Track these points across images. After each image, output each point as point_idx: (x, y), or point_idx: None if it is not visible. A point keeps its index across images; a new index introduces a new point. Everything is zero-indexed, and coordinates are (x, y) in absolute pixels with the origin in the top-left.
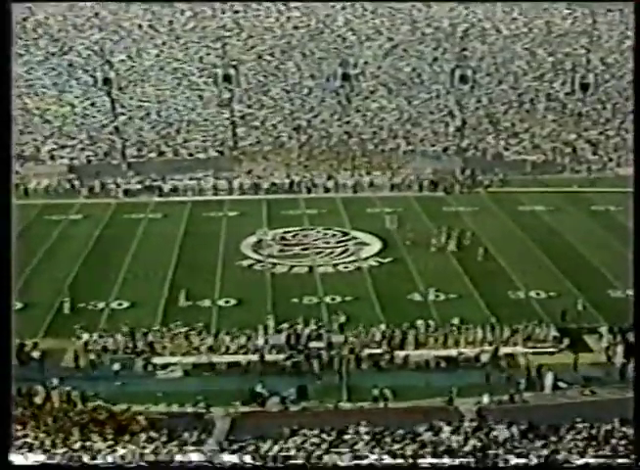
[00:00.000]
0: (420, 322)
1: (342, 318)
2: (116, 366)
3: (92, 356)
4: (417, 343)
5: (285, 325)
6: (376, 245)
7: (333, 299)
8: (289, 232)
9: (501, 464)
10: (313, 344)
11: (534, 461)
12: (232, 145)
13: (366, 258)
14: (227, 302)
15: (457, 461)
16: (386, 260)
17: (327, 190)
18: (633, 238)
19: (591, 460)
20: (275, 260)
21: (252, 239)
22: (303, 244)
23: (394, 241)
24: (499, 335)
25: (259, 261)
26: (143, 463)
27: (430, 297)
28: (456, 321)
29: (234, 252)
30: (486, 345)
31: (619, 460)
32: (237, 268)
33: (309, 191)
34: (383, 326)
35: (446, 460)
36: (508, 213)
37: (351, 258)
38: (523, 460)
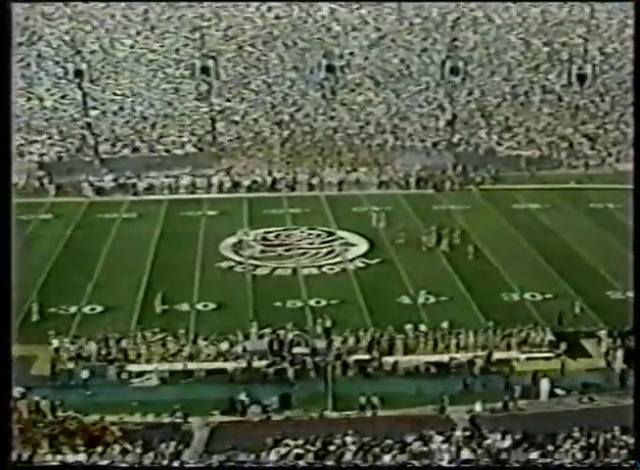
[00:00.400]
0: (409, 326)
1: (328, 323)
2: (85, 374)
3: (63, 364)
4: (406, 348)
5: (267, 330)
6: (363, 245)
7: (318, 302)
8: (271, 232)
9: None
10: (297, 350)
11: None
12: (211, 141)
13: (352, 260)
14: (206, 306)
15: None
16: (373, 262)
17: (311, 188)
18: (633, 237)
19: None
20: (256, 262)
21: (233, 239)
22: (286, 244)
23: (382, 241)
24: (492, 339)
25: (240, 263)
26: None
27: (419, 299)
28: (447, 325)
29: (213, 253)
30: (479, 350)
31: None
32: (216, 270)
33: (292, 189)
34: (370, 331)
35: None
36: (501, 212)
37: (337, 260)
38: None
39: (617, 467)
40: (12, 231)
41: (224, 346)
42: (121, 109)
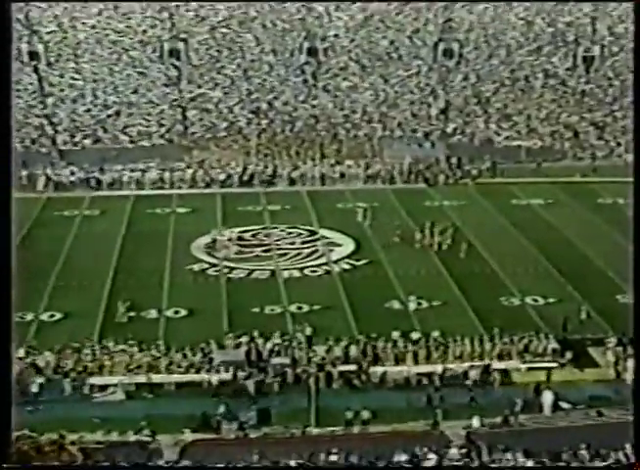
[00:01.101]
0: (399, 334)
1: (310, 330)
2: (35, 387)
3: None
4: (396, 358)
5: (244, 339)
6: (349, 245)
7: (299, 308)
8: (247, 231)
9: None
10: (277, 360)
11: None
12: (181, 131)
13: (337, 261)
14: (176, 312)
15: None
16: (360, 263)
17: (292, 182)
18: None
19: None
20: (232, 264)
21: (205, 239)
22: (264, 245)
23: (370, 241)
24: (491, 348)
25: (214, 265)
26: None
27: (411, 305)
28: (440, 333)
29: (184, 254)
30: (476, 359)
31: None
32: (187, 273)
33: (271, 184)
34: (357, 339)
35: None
36: (500, 208)
37: (320, 261)
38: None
39: (618, 467)
40: (12, 231)
41: (196, 356)
42: (82, 95)
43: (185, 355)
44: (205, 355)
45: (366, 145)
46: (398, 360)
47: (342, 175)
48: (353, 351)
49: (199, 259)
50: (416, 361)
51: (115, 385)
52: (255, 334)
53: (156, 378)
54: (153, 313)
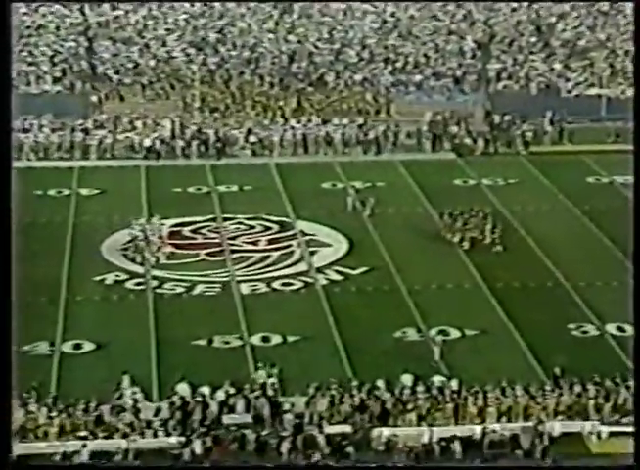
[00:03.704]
0: (412, 378)
1: (281, 373)
2: None
3: None
4: (405, 412)
5: (182, 386)
6: (340, 245)
7: (265, 339)
8: (187, 224)
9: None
10: (230, 418)
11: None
12: (87, 73)
13: (323, 268)
14: (78, 347)
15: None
16: (356, 272)
17: (254, 152)
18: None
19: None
20: (163, 273)
21: (123, 236)
22: (212, 244)
23: (370, 238)
24: (553, 400)
25: (135, 275)
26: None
27: (432, 333)
28: (476, 376)
29: (90, 258)
30: (531, 418)
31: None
32: (96, 287)
33: (222, 152)
34: (352, 386)
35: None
36: (568, 189)
37: (298, 269)
38: None
39: (618, 467)
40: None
41: (103, 411)
42: None
43: (87, 409)
44: (119, 412)
45: (366, 95)
46: (413, 418)
47: (329, 140)
48: (346, 404)
49: (112, 266)
50: (438, 419)
51: None
52: (200, 379)
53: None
54: (42, 348)
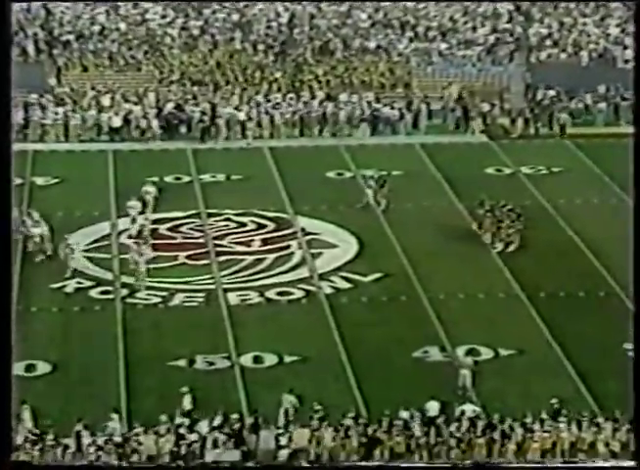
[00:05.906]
0: (439, 406)
1: (279, 401)
2: None
3: None
4: (434, 450)
5: (164, 417)
6: (348, 246)
7: (257, 360)
8: (163, 221)
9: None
10: (216, 455)
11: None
12: (42, 38)
13: (328, 274)
14: (30, 368)
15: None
16: (368, 279)
17: (244, 131)
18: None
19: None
20: (135, 280)
21: (88, 234)
22: (195, 246)
23: (385, 238)
24: (611, 433)
25: (101, 282)
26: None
27: (459, 353)
28: (514, 407)
29: (46, 261)
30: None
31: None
32: (54, 296)
33: (206, 134)
34: (364, 419)
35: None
36: (623, 179)
37: (297, 275)
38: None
39: (618, 467)
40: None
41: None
42: None
43: (34, 441)
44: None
45: (380, 65)
46: (441, 454)
47: (336, 120)
48: (354, 438)
49: (75, 271)
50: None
51: None
52: (181, 407)
53: None
54: None
